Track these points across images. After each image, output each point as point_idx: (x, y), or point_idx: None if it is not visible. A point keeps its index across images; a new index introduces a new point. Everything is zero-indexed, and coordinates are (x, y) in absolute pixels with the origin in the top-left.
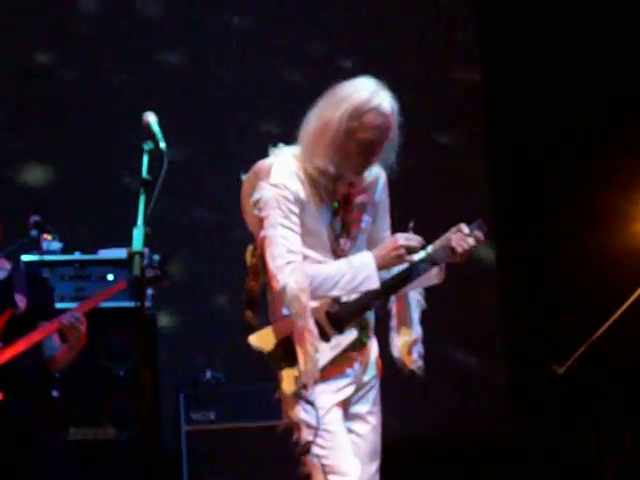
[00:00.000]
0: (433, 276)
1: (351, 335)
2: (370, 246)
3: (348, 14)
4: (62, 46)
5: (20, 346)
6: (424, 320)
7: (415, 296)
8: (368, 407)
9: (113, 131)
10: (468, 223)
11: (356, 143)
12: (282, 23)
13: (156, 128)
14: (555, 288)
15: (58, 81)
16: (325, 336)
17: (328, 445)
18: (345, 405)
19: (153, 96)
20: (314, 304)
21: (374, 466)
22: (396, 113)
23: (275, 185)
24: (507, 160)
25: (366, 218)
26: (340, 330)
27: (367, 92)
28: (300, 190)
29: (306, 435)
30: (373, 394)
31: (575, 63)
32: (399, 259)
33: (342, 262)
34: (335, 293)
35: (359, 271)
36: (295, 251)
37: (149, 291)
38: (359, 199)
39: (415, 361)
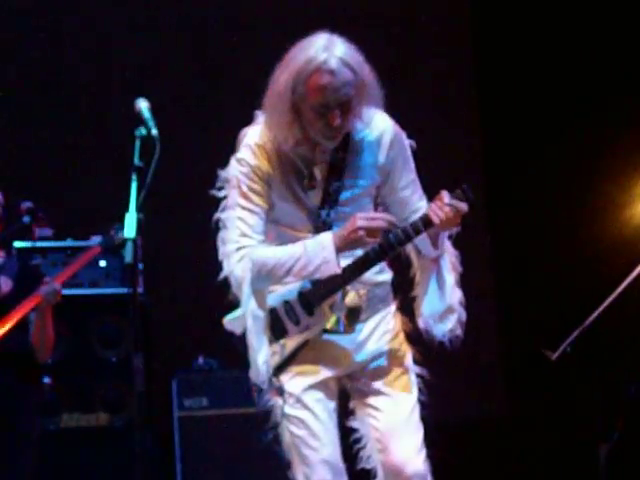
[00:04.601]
0: (429, 247)
1: (323, 318)
2: (392, 208)
3: None
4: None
5: (3, 324)
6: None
7: (449, 259)
8: (382, 380)
9: (105, 117)
10: (452, 190)
11: (310, 108)
12: None
13: (148, 114)
14: (549, 274)
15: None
16: (294, 318)
17: (300, 433)
18: (350, 382)
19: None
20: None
21: (412, 441)
22: (355, 65)
23: (238, 160)
24: (500, 148)
25: (361, 183)
26: (310, 312)
27: (312, 51)
28: (265, 164)
29: (279, 420)
30: (385, 367)
31: (570, 48)
32: (358, 242)
33: (297, 246)
34: (290, 280)
35: (315, 255)
36: (249, 234)
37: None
38: (351, 163)
39: (452, 330)
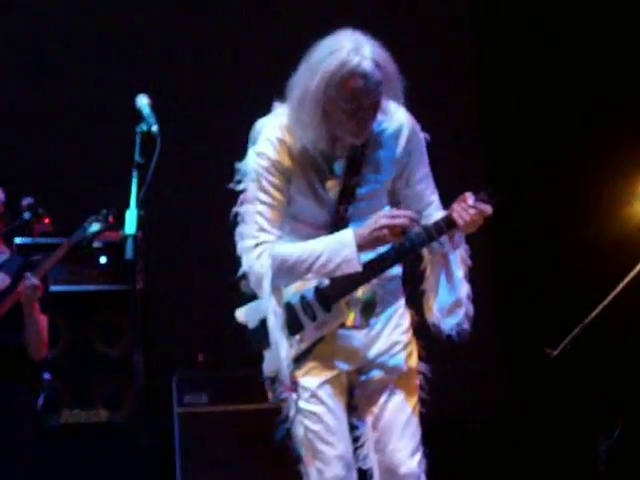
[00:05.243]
0: (447, 244)
1: (341, 315)
2: (406, 201)
3: None
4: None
5: None
6: (418, 302)
7: (459, 253)
8: (387, 378)
9: (106, 113)
10: (476, 192)
11: (342, 112)
12: None
13: (147, 111)
14: (549, 272)
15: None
16: (311, 314)
17: (315, 428)
18: (357, 377)
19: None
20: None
21: (409, 443)
22: (384, 63)
23: (258, 154)
24: (501, 147)
25: (380, 178)
26: (327, 308)
27: (343, 53)
28: (285, 159)
29: (292, 415)
30: (392, 365)
31: (570, 48)
32: (380, 240)
33: (318, 242)
34: (310, 277)
35: (336, 253)
36: (268, 229)
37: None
38: (370, 156)
39: (460, 324)
